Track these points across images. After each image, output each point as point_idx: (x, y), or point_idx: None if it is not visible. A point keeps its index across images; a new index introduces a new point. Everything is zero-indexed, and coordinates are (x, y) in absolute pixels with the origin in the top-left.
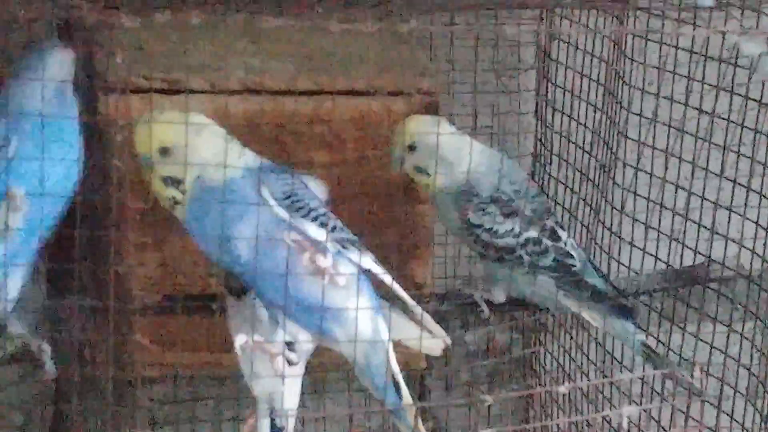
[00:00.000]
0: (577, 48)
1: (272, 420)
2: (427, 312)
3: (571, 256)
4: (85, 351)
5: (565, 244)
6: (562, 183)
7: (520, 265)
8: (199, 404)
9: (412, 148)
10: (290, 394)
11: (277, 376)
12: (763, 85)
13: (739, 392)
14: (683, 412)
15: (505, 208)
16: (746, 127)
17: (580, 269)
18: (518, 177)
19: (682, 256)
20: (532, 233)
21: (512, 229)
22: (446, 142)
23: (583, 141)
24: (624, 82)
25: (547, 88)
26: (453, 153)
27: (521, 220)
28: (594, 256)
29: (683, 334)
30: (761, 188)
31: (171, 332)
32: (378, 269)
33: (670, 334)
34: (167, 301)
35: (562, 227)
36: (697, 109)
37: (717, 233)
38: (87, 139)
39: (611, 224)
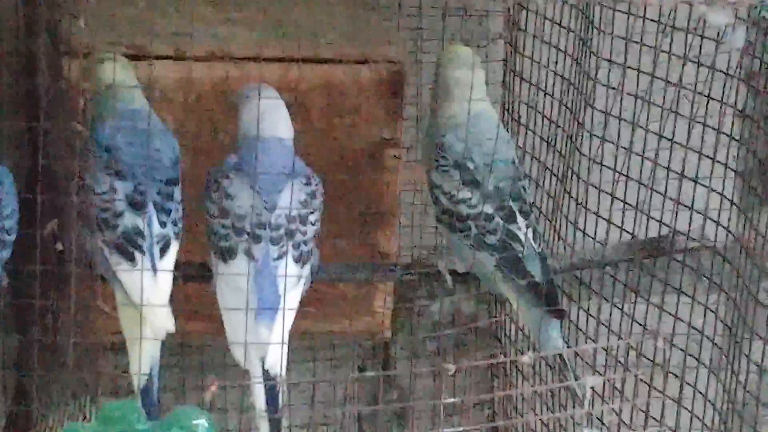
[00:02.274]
0: (546, 18)
1: (265, 386)
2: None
3: (519, 242)
4: (47, 317)
5: (518, 229)
6: (529, 153)
7: (467, 236)
8: (163, 372)
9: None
10: (279, 360)
11: (266, 343)
12: (730, 56)
13: (702, 364)
14: (646, 383)
15: (467, 176)
16: (712, 98)
17: (523, 256)
18: (499, 150)
19: (647, 227)
20: (487, 208)
21: (469, 199)
22: (452, 78)
23: (550, 111)
24: (591, 52)
25: (515, 58)
26: (454, 93)
27: (481, 193)
28: (559, 226)
29: (647, 306)
30: (726, 160)
31: None
32: None
33: (635, 305)
34: None
35: (525, 215)
36: (663, 80)
37: (682, 204)
38: (50, 104)
39: (577, 194)
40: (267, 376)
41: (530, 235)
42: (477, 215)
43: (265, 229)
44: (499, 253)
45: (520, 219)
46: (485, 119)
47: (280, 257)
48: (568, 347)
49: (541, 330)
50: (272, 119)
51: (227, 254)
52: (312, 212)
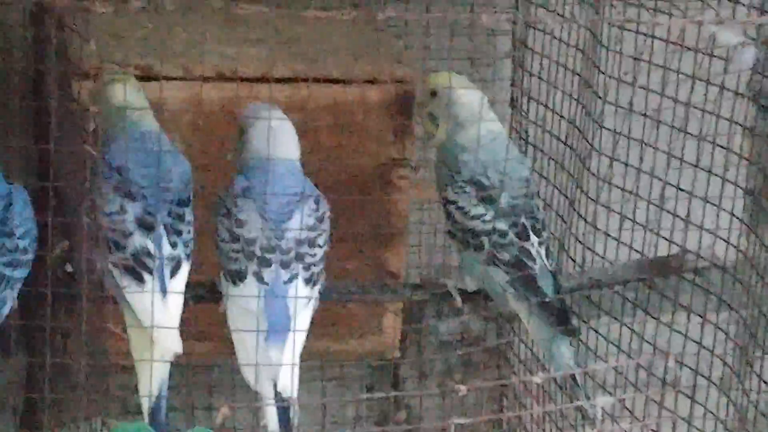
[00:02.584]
0: (553, 37)
1: (277, 408)
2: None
3: (532, 259)
4: (57, 339)
5: (532, 246)
6: (537, 172)
7: (480, 251)
8: (172, 393)
9: (433, 93)
10: (291, 382)
11: (278, 365)
12: (739, 75)
13: (712, 383)
14: (657, 402)
15: (482, 193)
16: (722, 117)
17: (536, 274)
18: (514, 169)
19: (656, 246)
20: (501, 225)
21: (484, 215)
22: (465, 102)
23: (559, 130)
24: (600, 71)
25: (522, 77)
26: (466, 115)
27: (495, 209)
28: (569, 246)
29: (657, 325)
30: (736, 179)
31: None
32: None
33: (645, 324)
34: None
35: (538, 233)
36: (672, 99)
37: (692, 223)
38: (60, 126)
39: (586, 214)
40: (279, 398)
41: (543, 252)
42: (491, 231)
43: (274, 252)
44: (512, 270)
45: (533, 236)
46: (498, 138)
47: (290, 280)
48: (578, 366)
49: (552, 348)
50: (281, 141)
51: (237, 277)
52: (320, 234)
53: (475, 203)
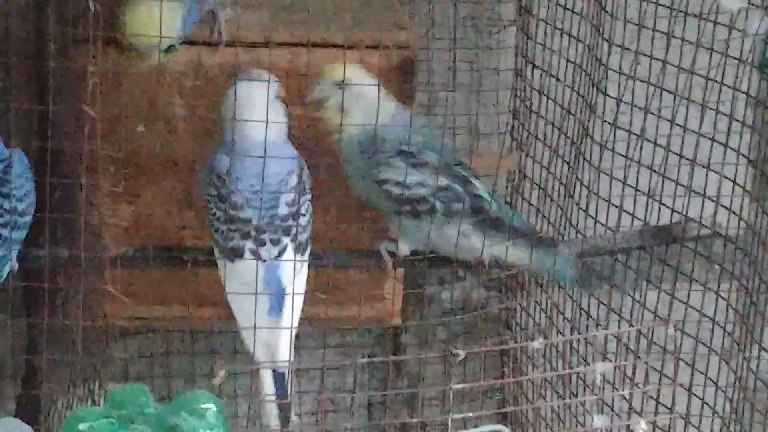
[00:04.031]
0: (558, 4)
1: (273, 371)
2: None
3: (485, 199)
4: (57, 302)
5: (478, 189)
6: (540, 139)
7: (434, 214)
8: (172, 358)
9: (339, 86)
10: (286, 346)
11: (273, 328)
12: (743, 42)
13: (713, 351)
14: (657, 370)
15: (413, 160)
16: (725, 84)
17: (496, 210)
18: (426, 130)
19: (659, 214)
20: (442, 181)
21: (422, 180)
22: (370, 90)
23: (562, 98)
24: (604, 38)
25: (526, 44)
26: (372, 103)
27: (430, 170)
28: (570, 213)
29: (659, 293)
30: (739, 147)
31: (144, 285)
32: None
33: (646, 292)
34: (140, 252)
35: (476, 177)
36: (675, 66)
37: (694, 191)
38: (59, 87)
39: (588, 181)
40: (275, 364)
41: (489, 190)
42: (436, 191)
43: (266, 232)
44: (473, 217)
45: (474, 180)
46: (405, 112)
47: (280, 254)
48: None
49: (549, 264)
50: (255, 115)
51: (234, 254)
52: (303, 204)
53: (410, 171)
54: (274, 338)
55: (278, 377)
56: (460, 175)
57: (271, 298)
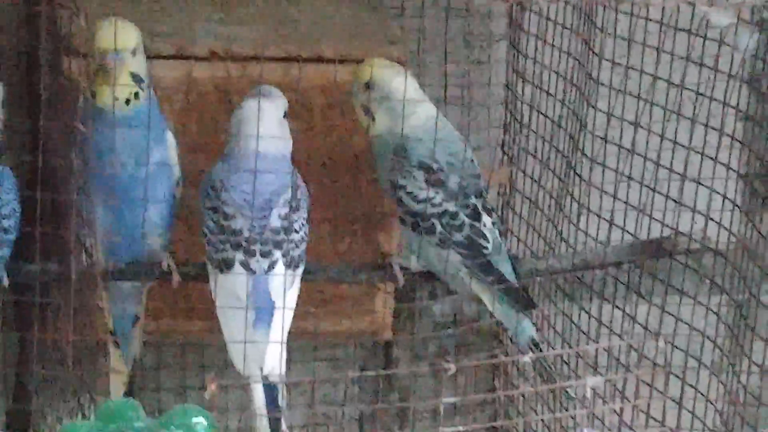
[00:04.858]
0: (548, 19)
1: (264, 384)
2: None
3: (485, 238)
4: (47, 316)
5: (484, 226)
6: (531, 154)
7: (432, 234)
8: (163, 372)
9: (368, 86)
10: (276, 359)
11: (260, 342)
12: (732, 57)
13: (704, 365)
14: (648, 384)
15: (431, 177)
16: (715, 99)
17: (490, 253)
18: (458, 150)
19: (649, 228)
20: (451, 207)
21: (433, 198)
22: (400, 92)
23: (553, 112)
24: (594, 53)
25: (517, 59)
26: (401, 105)
27: (444, 191)
28: (561, 228)
29: (649, 307)
30: (729, 161)
31: None
32: None
33: (636, 306)
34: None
35: (489, 212)
36: (665, 80)
37: (684, 206)
38: (50, 102)
39: (579, 195)
40: (265, 379)
41: (496, 232)
42: (441, 214)
43: (257, 244)
44: (465, 252)
45: (485, 216)
46: (441, 121)
47: (270, 267)
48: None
49: (515, 325)
50: (263, 130)
51: (224, 265)
52: (296, 220)
53: (424, 187)
54: (261, 352)
55: (269, 390)
56: (472, 205)
57: (259, 311)
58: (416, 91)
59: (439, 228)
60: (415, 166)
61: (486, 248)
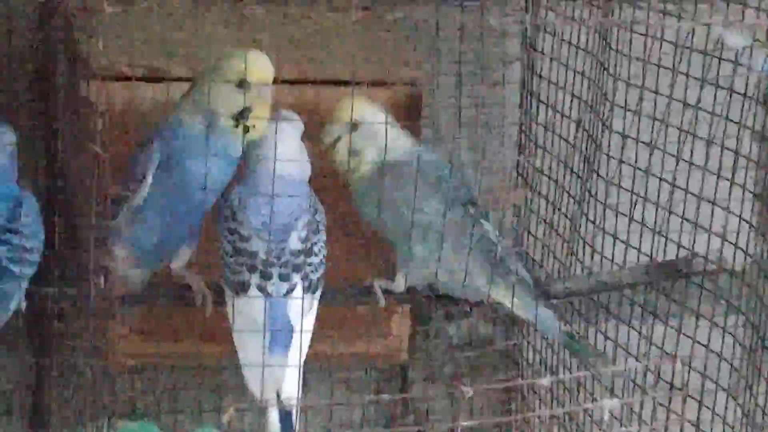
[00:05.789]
0: (563, 40)
1: (279, 410)
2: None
3: (491, 241)
4: (65, 339)
5: (487, 230)
6: (546, 175)
7: (443, 244)
8: (180, 394)
9: (355, 126)
10: (293, 385)
11: (276, 367)
12: (748, 78)
13: (720, 387)
14: (665, 406)
15: (430, 188)
16: (730, 120)
17: (502, 256)
18: (443, 164)
19: (665, 249)
20: (456, 215)
21: (437, 208)
22: (382, 129)
23: (568, 133)
24: (609, 74)
25: (532, 80)
26: (384, 139)
27: (446, 200)
28: (576, 249)
29: (665, 328)
30: (745, 182)
31: (151, 322)
32: None
33: (653, 327)
34: (148, 290)
35: (486, 217)
36: (681, 101)
37: (700, 227)
38: (67, 126)
39: (594, 216)
40: (282, 405)
41: (497, 233)
42: (448, 222)
43: (274, 266)
44: (479, 256)
45: (485, 222)
46: (414, 147)
47: (289, 291)
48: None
49: (543, 322)
50: (284, 155)
51: (240, 288)
52: (315, 243)
53: (425, 197)
54: (278, 376)
55: (284, 417)
56: (470, 213)
57: (276, 335)
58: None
59: (449, 237)
60: (409, 180)
61: (495, 252)
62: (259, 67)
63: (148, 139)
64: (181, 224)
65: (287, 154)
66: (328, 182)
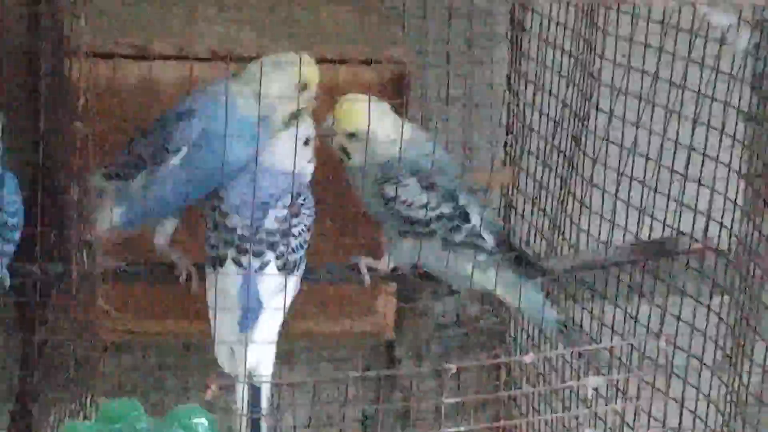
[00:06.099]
0: (550, 19)
1: (250, 386)
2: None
3: (482, 238)
4: (49, 317)
5: (474, 227)
6: (532, 154)
7: (433, 238)
8: (165, 372)
9: (352, 135)
10: (263, 361)
11: (244, 342)
12: (734, 57)
13: (705, 365)
14: (649, 384)
15: (424, 181)
16: (716, 99)
17: (492, 248)
18: (439, 154)
19: (650, 228)
20: (446, 209)
21: (428, 203)
22: (382, 126)
23: (555, 112)
24: (595, 53)
25: (519, 59)
26: (384, 135)
27: (437, 194)
28: (563, 227)
29: (651, 307)
30: (730, 162)
31: (136, 299)
32: None
33: (638, 306)
34: (132, 267)
35: (479, 208)
36: (667, 80)
37: (686, 206)
38: (50, 103)
39: (580, 195)
40: (250, 378)
41: (487, 230)
42: (439, 217)
43: (248, 242)
44: (469, 249)
45: (473, 217)
46: (407, 130)
47: (261, 267)
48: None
49: (535, 307)
50: (278, 152)
51: (217, 261)
52: (295, 225)
53: (419, 192)
54: (241, 353)
55: (254, 392)
56: (461, 206)
57: (247, 311)
58: (391, 117)
59: (440, 232)
60: (405, 175)
61: (485, 247)
62: (316, 74)
63: (189, 110)
64: (184, 199)
65: (281, 151)
66: (319, 160)
